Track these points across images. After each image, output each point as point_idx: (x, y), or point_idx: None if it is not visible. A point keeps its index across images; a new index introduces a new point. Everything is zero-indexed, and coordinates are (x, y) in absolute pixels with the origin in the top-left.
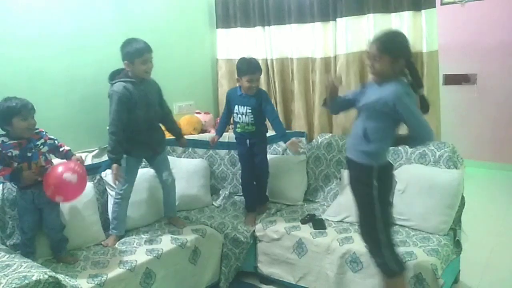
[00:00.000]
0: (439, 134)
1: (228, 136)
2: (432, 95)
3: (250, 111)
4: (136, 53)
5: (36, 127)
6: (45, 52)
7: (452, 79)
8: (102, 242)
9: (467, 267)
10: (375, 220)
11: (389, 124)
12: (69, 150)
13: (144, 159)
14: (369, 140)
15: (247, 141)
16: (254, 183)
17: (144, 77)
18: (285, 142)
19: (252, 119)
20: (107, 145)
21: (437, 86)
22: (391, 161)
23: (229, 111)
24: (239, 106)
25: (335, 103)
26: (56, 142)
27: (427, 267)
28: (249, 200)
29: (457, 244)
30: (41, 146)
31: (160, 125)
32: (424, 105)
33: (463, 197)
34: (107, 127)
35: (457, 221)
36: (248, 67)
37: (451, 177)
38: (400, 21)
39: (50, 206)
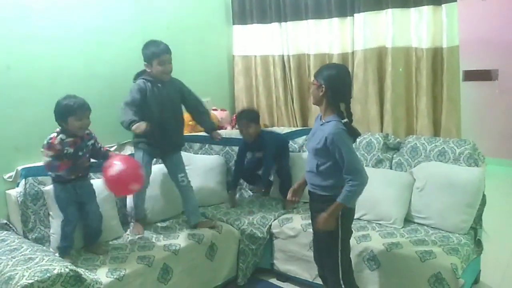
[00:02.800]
0: (459, 131)
1: None
2: (452, 91)
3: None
4: (154, 55)
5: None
6: (65, 49)
7: (472, 75)
8: (129, 232)
9: (488, 267)
10: (337, 249)
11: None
12: (108, 150)
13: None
14: (324, 175)
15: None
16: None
17: (163, 78)
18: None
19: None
20: (121, 120)
21: (458, 82)
22: None
23: (241, 156)
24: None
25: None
26: (101, 146)
27: (446, 267)
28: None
29: (478, 244)
30: (91, 146)
31: (179, 127)
32: (352, 133)
33: (484, 196)
34: (122, 104)
35: (478, 220)
36: (239, 117)
37: (471, 175)
38: (420, 16)
39: (91, 198)
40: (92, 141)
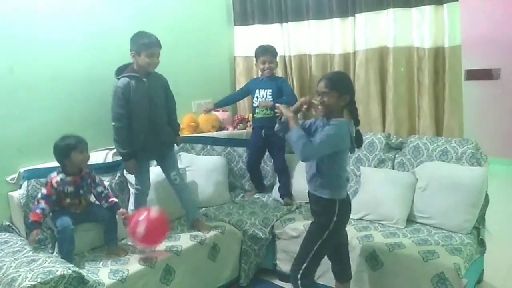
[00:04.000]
0: (462, 130)
1: (246, 133)
2: (454, 91)
3: (270, 94)
4: (144, 45)
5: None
6: (67, 52)
7: (474, 75)
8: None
9: (491, 267)
10: (315, 244)
11: (338, 158)
12: (117, 202)
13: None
14: (323, 174)
15: (263, 131)
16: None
17: (149, 70)
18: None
19: (272, 101)
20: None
21: (460, 82)
22: (349, 195)
23: (241, 94)
24: (260, 90)
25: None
26: (108, 191)
27: (449, 266)
28: (257, 181)
29: (481, 243)
30: (92, 184)
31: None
32: (358, 140)
33: (487, 195)
34: (112, 124)
35: (481, 220)
36: (260, 50)
37: (474, 174)
38: (421, 16)
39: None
40: (90, 179)
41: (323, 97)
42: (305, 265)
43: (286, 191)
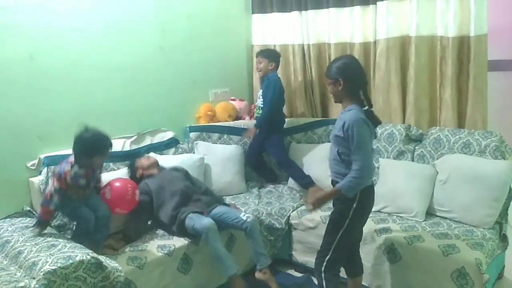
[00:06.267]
0: (486, 122)
1: None
2: (479, 81)
3: (260, 95)
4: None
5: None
6: (86, 40)
7: (500, 65)
8: None
9: None
10: (336, 237)
11: None
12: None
13: None
14: (347, 163)
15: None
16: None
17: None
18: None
19: (262, 103)
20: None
21: (485, 72)
22: (373, 183)
23: None
24: (260, 90)
25: None
26: (101, 176)
27: (470, 262)
28: (266, 175)
29: (503, 239)
30: (98, 173)
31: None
32: (374, 120)
33: (510, 189)
34: None
35: (504, 214)
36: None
37: (498, 168)
38: (446, 3)
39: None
40: (98, 170)
41: (328, 87)
42: (328, 257)
43: (304, 180)
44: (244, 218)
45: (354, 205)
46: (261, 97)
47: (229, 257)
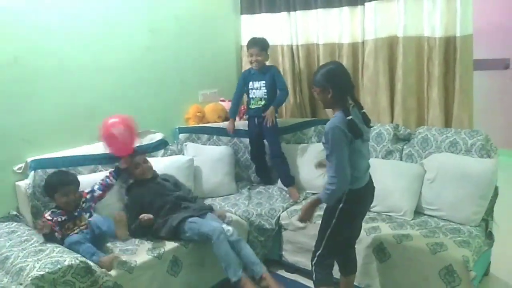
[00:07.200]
0: (472, 121)
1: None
2: (464, 81)
3: (264, 85)
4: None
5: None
6: (72, 41)
7: (484, 64)
8: None
9: (498, 260)
10: (325, 234)
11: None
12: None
13: None
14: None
15: (256, 119)
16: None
17: (145, 176)
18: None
19: (265, 93)
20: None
21: (470, 72)
22: (371, 184)
23: (241, 91)
24: (254, 82)
25: None
26: (94, 194)
27: (458, 259)
28: (263, 174)
29: (489, 236)
30: (83, 205)
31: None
32: (353, 130)
33: (496, 187)
34: None
35: (490, 212)
36: (249, 42)
37: (484, 166)
38: (433, 4)
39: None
40: (83, 199)
41: (317, 96)
42: (319, 252)
43: (288, 179)
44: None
45: (340, 206)
46: (263, 87)
47: (236, 261)
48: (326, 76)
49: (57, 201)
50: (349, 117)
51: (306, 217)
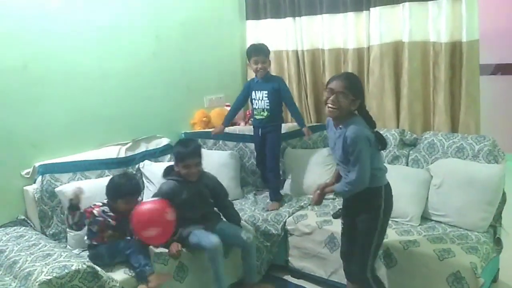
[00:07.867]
0: (479, 127)
1: None
2: (471, 86)
3: (266, 96)
4: (178, 155)
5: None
6: (79, 47)
7: (491, 69)
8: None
9: (507, 266)
10: (372, 242)
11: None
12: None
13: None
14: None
15: (259, 130)
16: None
17: (189, 179)
18: (301, 128)
19: (268, 104)
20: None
21: (477, 77)
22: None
23: (242, 100)
24: (256, 92)
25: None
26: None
27: (466, 266)
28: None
29: (498, 242)
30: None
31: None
32: (382, 142)
33: (504, 193)
34: None
35: (498, 218)
36: (252, 49)
37: (491, 172)
38: (438, 10)
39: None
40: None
41: (338, 97)
42: (369, 261)
43: (276, 195)
44: (244, 238)
45: (382, 207)
46: (265, 98)
47: (224, 279)
48: (359, 89)
49: (115, 205)
50: (375, 130)
51: (319, 202)
